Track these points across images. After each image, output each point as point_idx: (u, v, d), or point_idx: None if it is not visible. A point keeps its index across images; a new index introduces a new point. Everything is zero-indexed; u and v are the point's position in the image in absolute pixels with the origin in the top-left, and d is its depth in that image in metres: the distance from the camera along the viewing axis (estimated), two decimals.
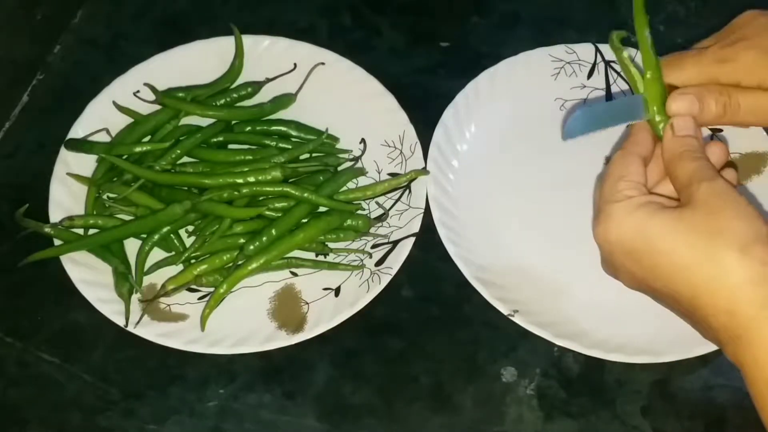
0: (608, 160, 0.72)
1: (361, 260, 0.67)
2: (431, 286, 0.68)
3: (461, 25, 0.81)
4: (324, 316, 0.64)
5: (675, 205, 0.50)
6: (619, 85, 0.76)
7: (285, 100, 0.74)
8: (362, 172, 0.71)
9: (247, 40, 0.76)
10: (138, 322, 0.63)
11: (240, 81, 0.74)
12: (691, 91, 0.52)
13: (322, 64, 0.75)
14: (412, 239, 0.67)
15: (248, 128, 0.72)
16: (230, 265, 0.66)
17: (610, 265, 0.53)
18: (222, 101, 0.73)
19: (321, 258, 0.67)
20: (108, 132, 0.72)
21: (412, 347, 0.65)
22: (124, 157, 0.69)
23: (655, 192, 0.53)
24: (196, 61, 0.75)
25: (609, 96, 0.76)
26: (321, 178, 0.70)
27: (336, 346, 0.65)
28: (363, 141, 0.72)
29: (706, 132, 0.73)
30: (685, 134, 0.51)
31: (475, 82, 0.74)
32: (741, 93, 0.52)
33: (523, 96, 0.75)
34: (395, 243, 0.67)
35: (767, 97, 0.53)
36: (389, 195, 0.70)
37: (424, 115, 0.72)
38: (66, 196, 0.68)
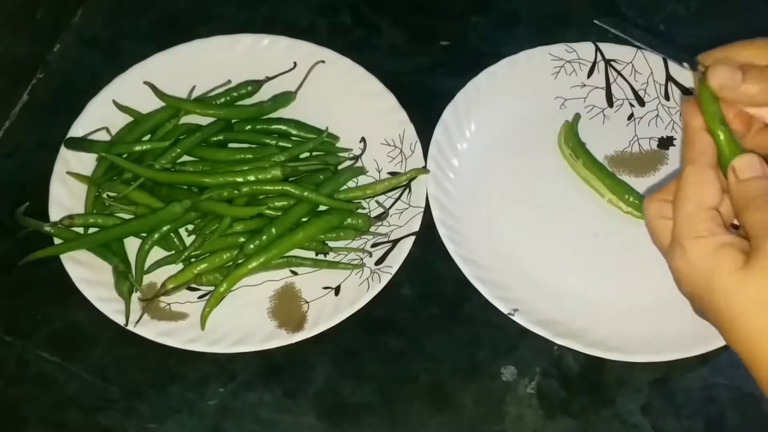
0: (609, 159, 0.72)
1: (361, 259, 0.67)
2: (431, 285, 0.68)
3: (461, 23, 0.81)
4: (324, 315, 0.64)
5: (747, 248, 0.45)
6: (619, 84, 0.76)
7: (285, 98, 0.74)
8: (362, 171, 0.71)
9: (247, 38, 0.76)
10: (138, 321, 0.63)
11: (240, 79, 0.74)
12: (733, 61, 0.47)
13: (322, 62, 0.75)
14: (412, 238, 0.67)
15: (248, 127, 0.72)
16: (230, 263, 0.66)
17: (680, 290, 0.49)
18: (222, 100, 0.73)
19: (321, 257, 0.67)
20: (108, 131, 0.72)
21: (412, 346, 0.65)
22: (124, 155, 0.69)
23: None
24: (195, 60, 0.75)
25: (609, 95, 0.76)
26: (321, 176, 0.69)
27: (336, 345, 0.65)
28: (363, 140, 0.72)
29: None
30: (751, 176, 0.46)
31: (475, 81, 0.74)
32: None
33: (523, 95, 0.75)
34: (395, 242, 0.67)
35: None
36: (389, 194, 0.70)
37: (424, 113, 0.72)
38: (66, 194, 0.68)
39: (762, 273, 0.43)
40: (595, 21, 0.50)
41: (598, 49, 0.76)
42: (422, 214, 0.68)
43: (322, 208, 0.68)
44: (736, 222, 0.48)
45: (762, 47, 0.48)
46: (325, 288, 0.66)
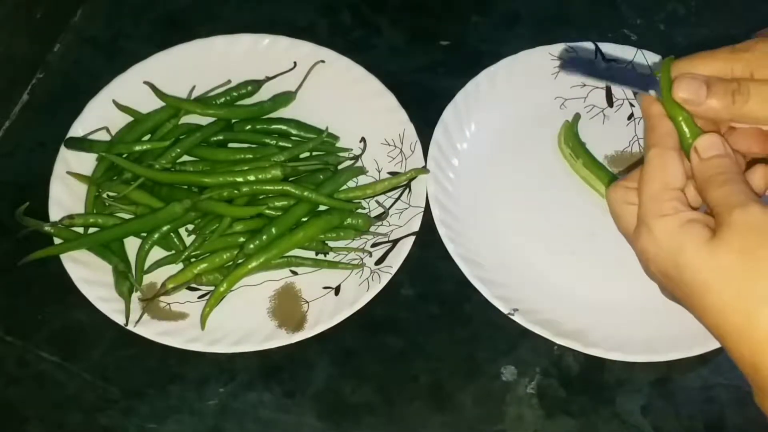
0: (609, 159, 0.73)
1: (361, 259, 0.67)
2: (431, 285, 0.68)
3: (461, 23, 0.81)
4: (324, 314, 0.64)
5: (713, 224, 0.46)
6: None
7: (285, 98, 0.74)
8: (362, 170, 0.71)
9: (247, 38, 0.76)
10: (138, 321, 0.63)
11: (240, 79, 0.74)
12: (701, 76, 0.48)
13: (322, 62, 0.75)
14: (412, 238, 0.67)
15: (248, 127, 0.72)
16: (230, 263, 0.66)
17: (650, 276, 0.51)
18: (222, 100, 0.73)
19: (321, 257, 0.67)
20: (108, 131, 0.72)
21: (412, 346, 0.65)
22: (124, 155, 0.69)
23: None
24: (195, 60, 0.75)
25: (609, 95, 0.76)
26: (321, 176, 0.69)
27: (336, 345, 0.65)
28: (363, 140, 0.72)
29: None
30: (711, 155, 0.47)
31: (475, 81, 0.74)
32: (752, 82, 0.48)
33: (523, 95, 0.75)
34: (395, 242, 0.67)
35: None
36: (389, 194, 0.70)
37: (424, 113, 0.72)
38: (66, 194, 0.68)
39: (728, 245, 0.44)
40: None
41: (598, 49, 0.76)
42: (422, 214, 0.68)
43: (322, 208, 0.68)
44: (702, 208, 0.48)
45: (727, 59, 0.49)
46: (325, 288, 0.66)
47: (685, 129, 0.48)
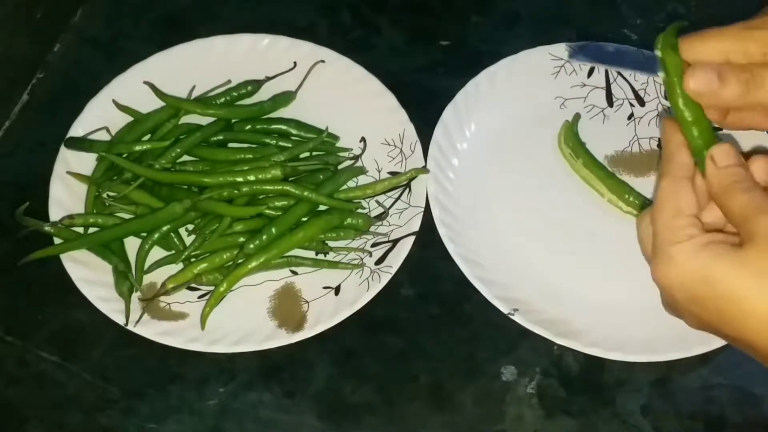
0: (609, 159, 0.73)
1: (361, 259, 0.67)
2: (431, 285, 0.68)
3: (461, 23, 0.81)
4: (324, 314, 0.64)
5: (736, 241, 0.46)
6: (619, 84, 0.76)
7: (285, 98, 0.74)
8: (362, 170, 0.71)
9: (247, 38, 0.76)
10: (138, 321, 0.63)
11: (240, 79, 0.74)
12: (711, 66, 0.47)
13: (322, 62, 0.75)
14: (412, 238, 0.67)
15: (248, 127, 0.72)
16: (230, 263, 0.66)
17: (673, 308, 0.49)
18: (222, 100, 0.73)
19: (321, 257, 0.67)
20: (108, 131, 0.72)
21: (412, 346, 0.65)
22: (124, 155, 0.69)
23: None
24: (195, 60, 0.75)
25: (609, 95, 0.76)
26: (321, 176, 0.69)
27: (336, 345, 0.65)
28: (363, 140, 0.72)
29: None
30: (728, 164, 0.47)
31: (475, 81, 0.74)
32: (765, 68, 0.47)
33: (523, 95, 0.75)
34: (395, 242, 0.67)
35: None
36: (389, 194, 0.70)
37: (424, 113, 0.72)
38: (66, 194, 0.68)
39: (760, 250, 0.43)
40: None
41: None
42: (422, 213, 0.68)
43: (322, 207, 0.68)
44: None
45: (740, 37, 0.48)
46: (325, 288, 0.66)
47: (698, 136, 0.47)
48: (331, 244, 0.68)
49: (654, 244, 0.47)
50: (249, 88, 0.74)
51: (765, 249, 0.43)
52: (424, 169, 0.70)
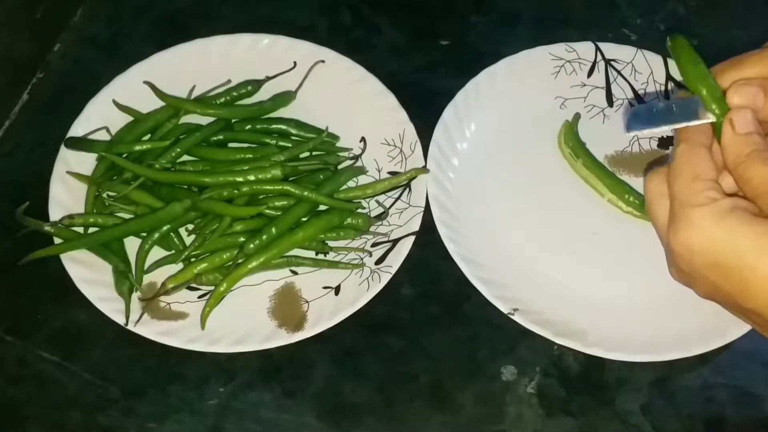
0: (609, 159, 0.73)
1: (361, 259, 0.67)
2: (431, 285, 0.68)
3: (461, 23, 0.81)
4: (324, 314, 0.64)
5: (756, 211, 0.44)
6: (619, 84, 0.76)
7: (285, 98, 0.74)
8: (362, 170, 0.71)
9: (247, 38, 0.76)
10: (138, 321, 0.63)
11: (240, 79, 0.74)
12: (755, 82, 0.46)
13: (322, 62, 0.75)
14: (412, 238, 0.67)
15: (248, 126, 0.72)
16: (230, 263, 0.66)
17: (686, 274, 0.48)
18: (222, 100, 0.73)
19: (321, 256, 0.67)
20: (108, 130, 0.72)
21: (412, 346, 0.65)
22: (124, 155, 0.69)
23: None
24: (195, 60, 0.75)
25: (609, 95, 0.76)
26: (321, 176, 0.70)
27: (336, 345, 0.65)
28: (363, 139, 0.72)
29: None
30: (748, 131, 0.45)
31: (475, 81, 0.74)
32: None
33: (523, 94, 0.75)
34: (395, 241, 0.67)
35: None
36: (389, 193, 0.70)
37: (424, 113, 0.72)
38: (66, 194, 0.68)
39: None
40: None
41: (598, 48, 0.76)
42: (422, 213, 0.68)
43: (322, 207, 0.68)
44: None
45: (749, 67, 0.47)
46: (325, 288, 0.66)
47: (711, 102, 0.46)
48: (331, 244, 0.68)
49: (672, 208, 0.46)
50: (249, 88, 0.74)
51: None
52: (424, 169, 0.70)
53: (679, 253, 0.46)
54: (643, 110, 0.49)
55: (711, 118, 0.47)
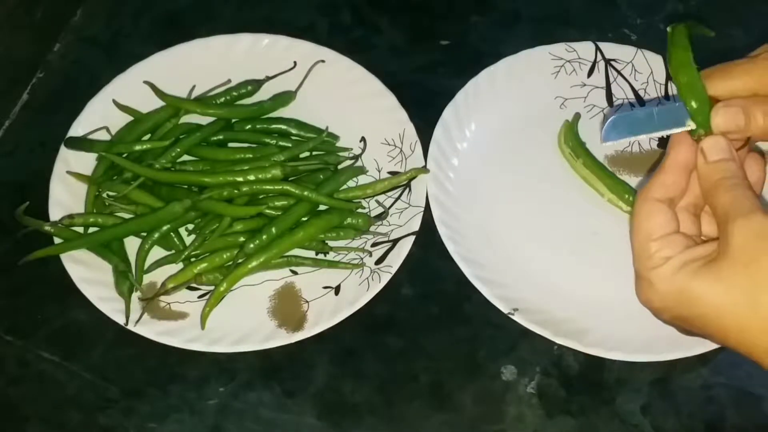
0: (609, 159, 0.73)
1: (361, 259, 0.67)
2: (431, 285, 0.68)
3: (461, 23, 0.81)
4: (324, 314, 0.64)
5: (713, 252, 0.45)
6: (619, 84, 0.76)
7: (285, 98, 0.74)
8: (362, 170, 0.71)
9: (247, 38, 0.76)
10: (138, 321, 0.63)
11: (240, 79, 0.74)
12: (736, 102, 0.47)
13: (322, 62, 0.75)
14: (412, 238, 0.67)
15: (248, 126, 0.72)
16: (230, 263, 0.66)
17: (660, 319, 0.50)
18: (222, 99, 0.73)
19: (321, 256, 0.67)
20: (108, 130, 0.72)
21: (412, 346, 0.65)
22: (124, 155, 0.69)
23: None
24: (195, 60, 0.75)
25: (609, 95, 0.76)
26: (321, 176, 0.70)
27: (336, 345, 0.65)
28: (363, 139, 0.72)
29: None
30: (719, 158, 0.46)
31: (475, 81, 0.74)
32: None
33: (523, 94, 0.75)
34: (395, 241, 0.67)
35: None
36: (389, 193, 0.70)
37: (424, 113, 0.72)
38: (66, 194, 0.68)
39: (732, 263, 0.43)
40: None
41: (598, 48, 0.76)
42: (422, 213, 0.68)
43: (322, 207, 0.68)
44: None
45: (764, 69, 0.47)
46: (325, 287, 0.66)
47: (696, 115, 0.47)
48: (331, 243, 0.68)
49: (634, 267, 0.48)
50: (249, 87, 0.74)
51: (738, 261, 0.43)
52: (424, 169, 0.70)
53: (649, 309, 0.49)
54: (620, 120, 0.49)
55: (692, 125, 0.48)
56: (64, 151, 0.70)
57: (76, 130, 0.71)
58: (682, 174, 0.48)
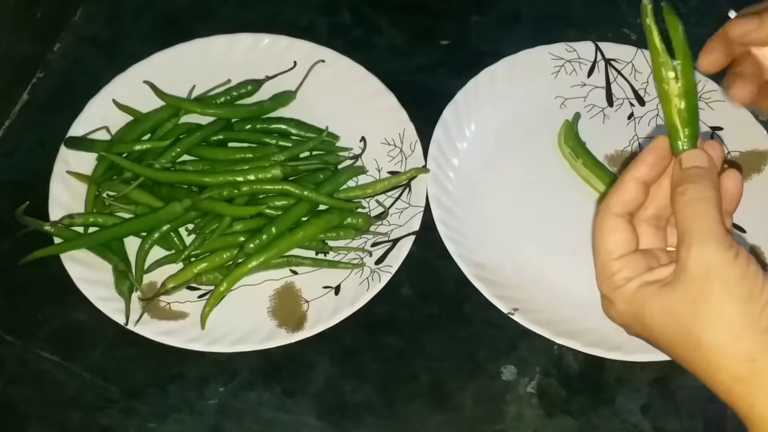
0: (609, 158, 0.73)
1: (361, 258, 0.67)
2: (431, 285, 0.68)
3: (461, 23, 0.81)
4: (324, 314, 0.64)
5: (665, 274, 0.46)
6: (619, 84, 0.76)
7: (285, 97, 0.74)
8: (362, 170, 0.71)
9: (247, 38, 0.76)
10: (138, 321, 0.63)
11: (240, 79, 0.74)
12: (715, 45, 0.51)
13: (322, 62, 0.75)
14: (412, 237, 0.67)
15: (248, 126, 0.72)
16: (230, 263, 0.66)
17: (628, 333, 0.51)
18: (222, 99, 0.73)
19: (321, 256, 0.67)
20: (108, 130, 0.72)
21: (412, 345, 0.65)
22: (124, 155, 0.69)
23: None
24: (195, 59, 0.75)
25: (609, 95, 0.76)
26: (321, 176, 0.69)
27: (336, 345, 0.65)
28: (363, 139, 0.72)
29: (704, 128, 0.73)
30: (692, 165, 0.46)
31: (475, 81, 0.74)
32: None
33: (523, 94, 0.75)
34: (395, 241, 0.67)
35: None
36: (389, 193, 0.70)
37: (424, 113, 0.72)
38: (66, 194, 0.68)
39: (682, 296, 0.44)
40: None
41: (598, 48, 0.76)
42: (422, 213, 0.68)
43: (322, 207, 0.68)
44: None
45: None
46: (325, 287, 0.66)
47: (674, 116, 0.47)
48: (331, 243, 0.68)
49: (597, 285, 0.49)
50: (249, 87, 0.74)
51: (685, 296, 0.44)
52: (424, 169, 0.70)
53: (615, 323, 0.49)
54: None
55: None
56: (64, 151, 0.70)
57: (76, 129, 0.71)
58: (640, 188, 0.47)
